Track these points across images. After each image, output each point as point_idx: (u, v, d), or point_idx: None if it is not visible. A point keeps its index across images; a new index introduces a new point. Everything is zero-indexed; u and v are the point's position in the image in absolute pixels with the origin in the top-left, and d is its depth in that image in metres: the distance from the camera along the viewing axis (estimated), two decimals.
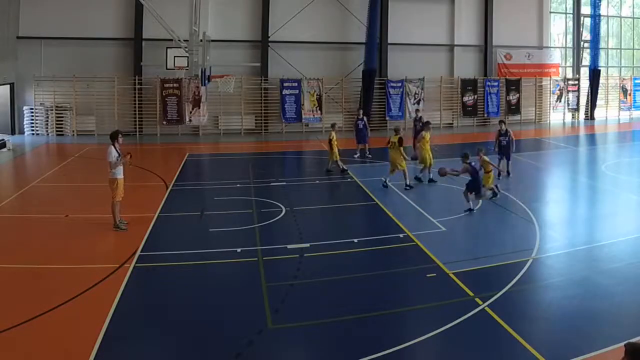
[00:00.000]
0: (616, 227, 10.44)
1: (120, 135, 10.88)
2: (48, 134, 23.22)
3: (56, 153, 20.79)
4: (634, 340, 5.50)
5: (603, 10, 30.69)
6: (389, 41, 26.74)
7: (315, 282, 8.41)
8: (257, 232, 10.81)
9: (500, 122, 16.04)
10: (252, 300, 7.68)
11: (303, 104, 25.39)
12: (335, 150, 16.02)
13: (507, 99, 28.84)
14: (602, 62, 31.20)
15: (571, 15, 31.54)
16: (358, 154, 18.85)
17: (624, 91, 32.12)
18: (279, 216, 11.81)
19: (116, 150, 10.64)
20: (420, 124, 18.89)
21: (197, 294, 8.04)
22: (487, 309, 7.29)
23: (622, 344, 6.27)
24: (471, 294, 7.78)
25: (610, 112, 31.93)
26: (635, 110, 32.26)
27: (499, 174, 14.72)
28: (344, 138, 21.43)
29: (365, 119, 19.51)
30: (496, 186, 13.10)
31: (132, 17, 23.64)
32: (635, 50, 34.33)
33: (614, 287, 8.18)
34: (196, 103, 24.15)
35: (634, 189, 14.19)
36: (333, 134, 16.25)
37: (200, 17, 18.69)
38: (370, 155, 18.63)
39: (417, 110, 20.13)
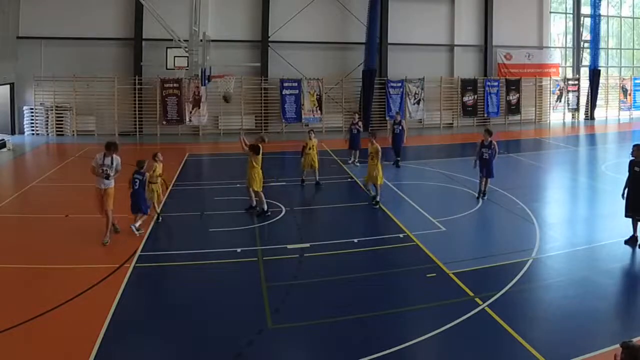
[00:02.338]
0: (616, 227, 10.42)
1: (112, 147, 10.17)
2: (48, 134, 23.22)
3: (56, 153, 20.79)
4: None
5: (603, 10, 30.70)
6: (389, 41, 26.74)
7: (315, 282, 8.41)
8: (257, 232, 10.81)
9: (486, 131, 13.40)
10: (252, 300, 7.69)
11: (303, 104, 25.38)
12: (309, 159, 14.65)
13: (507, 99, 28.85)
14: (602, 62, 31.23)
15: (571, 15, 31.56)
16: (352, 160, 17.49)
17: (624, 91, 32.13)
18: (279, 216, 11.81)
19: (102, 160, 10.05)
20: (400, 128, 17.20)
21: (197, 294, 8.03)
22: (487, 309, 7.29)
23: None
24: (471, 294, 7.78)
25: (610, 112, 31.95)
26: (635, 110, 32.29)
27: (478, 196, 13.12)
28: (343, 139, 21.45)
29: (360, 124, 17.87)
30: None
31: (132, 17, 23.64)
32: (635, 50, 34.35)
33: (614, 287, 8.20)
34: (196, 103, 24.15)
35: None
36: (312, 142, 14.77)
37: (200, 17, 18.66)
38: (358, 165, 17.18)
39: (397, 113, 18.94)
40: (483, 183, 13.16)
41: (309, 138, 15.01)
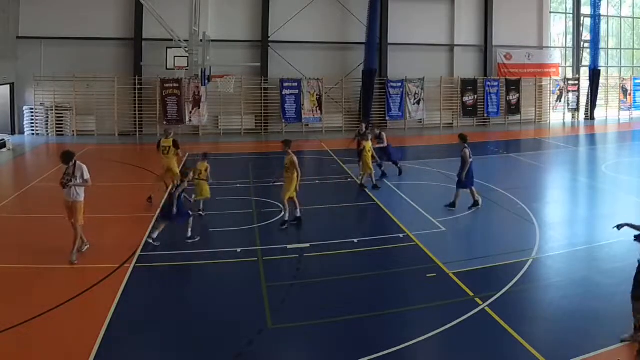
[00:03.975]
0: None
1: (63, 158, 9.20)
2: (48, 134, 23.23)
3: (56, 153, 20.68)
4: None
5: (603, 10, 30.73)
6: (389, 41, 26.75)
7: (315, 282, 8.41)
8: (257, 232, 10.81)
9: (460, 136, 12.19)
10: (252, 300, 7.69)
11: (303, 104, 25.39)
12: (369, 163, 13.92)
13: (507, 99, 28.85)
14: (602, 62, 31.24)
15: (571, 15, 31.57)
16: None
17: (624, 91, 32.13)
18: (279, 216, 11.80)
19: (66, 169, 9.18)
20: (381, 141, 15.42)
21: (197, 294, 8.04)
22: (487, 309, 7.29)
23: (623, 344, 6.31)
24: (471, 294, 7.78)
25: (610, 112, 31.97)
26: (635, 110, 32.29)
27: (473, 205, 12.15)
28: (343, 139, 21.49)
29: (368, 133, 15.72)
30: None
31: (132, 17, 23.65)
32: (635, 50, 34.35)
33: (614, 287, 8.17)
34: (196, 103, 24.17)
35: (634, 190, 14.18)
36: (368, 144, 13.93)
37: (200, 17, 18.69)
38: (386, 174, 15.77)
39: (372, 129, 15.99)
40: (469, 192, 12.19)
41: (366, 140, 13.96)
